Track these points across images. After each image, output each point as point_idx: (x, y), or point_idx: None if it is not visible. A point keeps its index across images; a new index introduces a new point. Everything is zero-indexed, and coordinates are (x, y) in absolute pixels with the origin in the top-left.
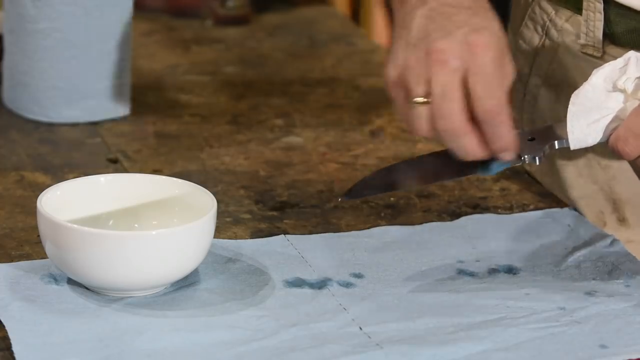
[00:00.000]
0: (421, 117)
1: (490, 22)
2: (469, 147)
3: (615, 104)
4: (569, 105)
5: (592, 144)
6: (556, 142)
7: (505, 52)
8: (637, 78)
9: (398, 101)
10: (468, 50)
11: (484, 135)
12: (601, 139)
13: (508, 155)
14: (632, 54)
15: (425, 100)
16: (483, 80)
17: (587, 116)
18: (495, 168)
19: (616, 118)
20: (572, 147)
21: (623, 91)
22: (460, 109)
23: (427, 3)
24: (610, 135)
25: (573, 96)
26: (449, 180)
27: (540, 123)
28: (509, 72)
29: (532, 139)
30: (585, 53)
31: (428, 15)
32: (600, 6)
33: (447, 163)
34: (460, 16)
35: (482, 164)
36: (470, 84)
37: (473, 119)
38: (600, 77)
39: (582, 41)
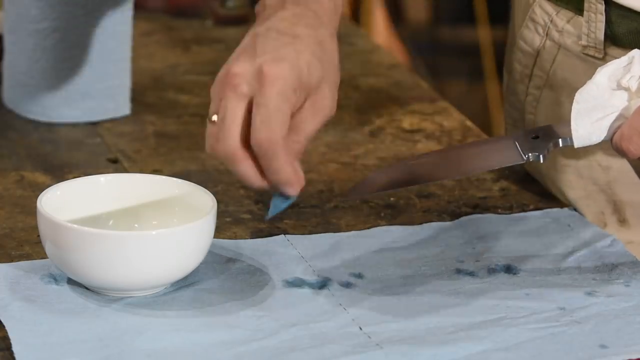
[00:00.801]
0: (209, 136)
1: (303, 54)
2: (246, 174)
3: (619, 102)
4: (573, 104)
5: (596, 142)
6: (560, 140)
7: (316, 88)
8: None
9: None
10: (259, 79)
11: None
12: (605, 137)
13: (290, 190)
14: (636, 52)
15: (216, 119)
16: (262, 113)
17: (591, 114)
18: (273, 206)
19: (620, 116)
20: (577, 145)
21: (627, 89)
22: (235, 134)
23: (266, 22)
24: (614, 133)
25: (577, 94)
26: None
27: (542, 124)
28: (319, 110)
29: (536, 137)
30: (586, 54)
31: (255, 35)
32: (601, 7)
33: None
34: (274, 43)
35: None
36: (252, 115)
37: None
38: (605, 76)
39: (583, 42)
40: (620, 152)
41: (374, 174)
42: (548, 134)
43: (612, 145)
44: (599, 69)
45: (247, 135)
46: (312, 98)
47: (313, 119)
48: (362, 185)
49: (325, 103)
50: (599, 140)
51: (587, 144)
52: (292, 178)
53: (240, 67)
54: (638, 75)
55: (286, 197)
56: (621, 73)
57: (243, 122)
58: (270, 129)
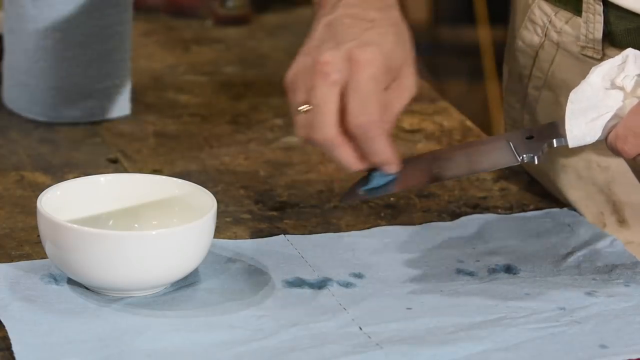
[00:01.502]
0: (301, 125)
1: (385, 37)
2: (344, 158)
3: (613, 102)
4: (568, 104)
5: (590, 142)
6: (554, 140)
7: (400, 68)
8: (636, 75)
9: (291, 105)
10: (349, 65)
11: (360, 151)
12: (600, 137)
13: (389, 168)
14: (630, 51)
15: (308, 108)
16: (357, 96)
17: (586, 114)
18: (372, 182)
19: (615, 116)
20: (571, 145)
21: (622, 89)
22: (332, 121)
23: (334, 11)
24: (609, 133)
25: (572, 94)
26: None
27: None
28: (405, 89)
29: (531, 137)
30: (584, 55)
31: (329, 24)
32: (599, 8)
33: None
34: (354, 29)
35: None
36: (346, 100)
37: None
38: (599, 75)
39: (581, 43)
40: (615, 152)
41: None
42: (542, 134)
43: (607, 145)
44: (592, 68)
45: (341, 121)
46: (397, 79)
47: (399, 99)
48: (355, 189)
49: (409, 82)
50: (594, 140)
51: (582, 144)
52: (391, 157)
53: (328, 56)
54: (632, 75)
55: (385, 175)
56: (615, 72)
57: (337, 112)
58: (368, 112)
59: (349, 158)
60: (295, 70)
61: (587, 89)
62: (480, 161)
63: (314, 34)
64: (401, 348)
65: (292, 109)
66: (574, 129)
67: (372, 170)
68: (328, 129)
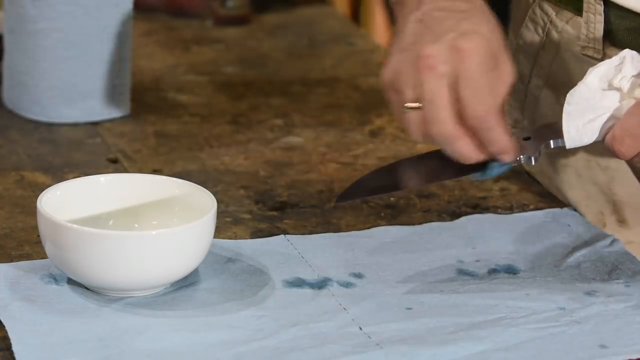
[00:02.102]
0: (413, 123)
1: (482, 25)
2: (464, 150)
3: (610, 103)
4: (565, 105)
5: (587, 143)
6: (552, 141)
7: (499, 54)
8: (633, 76)
9: (393, 104)
10: (455, 56)
11: (478, 140)
12: (597, 137)
13: (507, 157)
14: (627, 52)
15: (417, 105)
16: (471, 86)
17: (583, 115)
18: (491, 172)
19: (612, 117)
20: (568, 146)
21: (619, 90)
22: (449, 114)
23: (422, 7)
24: (607, 134)
25: (568, 96)
26: (446, 180)
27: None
28: (506, 74)
29: (528, 138)
30: (585, 54)
31: (420, 19)
32: (600, 8)
33: (445, 163)
34: (450, 21)
35: (481, 167)
36: (459, 91)
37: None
38: (596, 76)
39: (582, 43)
40: (612, 153)
41: (362, 179)
42: (540, 135)
43: (604, 146)
44: (590, 69)
45: (455, 113)
46: (497, 66)
47: (502, 85)
48: (351, 190)
49: (508, 68)
50: (591, 141)
51: (579, 145)
52: (509, 146)
53: (431, 49)
54: (629, 76)
55: (502, 165)
56: (612, 73)
57: (451, 104)
58: (484, 101)
59: (469, 150)
60: (394, 69)
61: (584, 90)
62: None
63: (405, 31)
64: (401, 348)
65: (395, 108)
66: (571, 130)
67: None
68: (445, 124)
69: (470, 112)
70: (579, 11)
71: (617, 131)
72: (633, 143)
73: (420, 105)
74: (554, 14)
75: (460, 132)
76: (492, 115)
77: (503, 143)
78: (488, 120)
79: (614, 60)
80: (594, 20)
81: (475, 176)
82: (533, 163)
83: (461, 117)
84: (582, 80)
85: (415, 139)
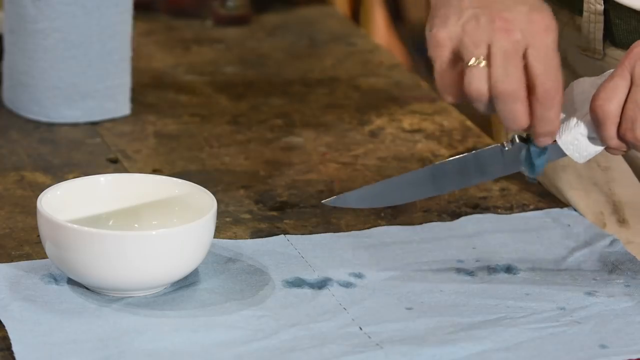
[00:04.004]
0: (476, 79)
1: (543, 4)
2: (519, 113)
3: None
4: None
5: (577, 136)
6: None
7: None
8: None
9: (440, 63)
10: (531, 27)
11: (533, 116)
12: (588, 134)
13: (546, 141)
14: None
15: (482, 63)
16: (545, 60)
17: (571, 117)
18: (538, 167)
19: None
20: (564, 148)
21: None
22: (520, 74)
23: None
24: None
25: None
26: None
27: None
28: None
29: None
30: (585, 54)
31: None
32: (600, 7)
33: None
34: None
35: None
36: (530, 61)
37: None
38: (575, 91)
39: (582, 43)
40: (597, 120)
41: (356, 192)
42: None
43: (595, 128)
44: (572, 84)
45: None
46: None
47: (559, 69)
48: (342, 199)
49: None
50: (585, 135)
51: (574, 147)
52: (556, 129)
53: (508, 14)
54: None
55: (540, 151)
56: (598, 82)
57: (523, 68)
58: (556, 77)
59: (525, 115)
60: (458, 29)
61: (568, 105)
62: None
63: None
64: (401, 348)
65: (440, 64)
66: (563, 134)
67: (525, 148)
68: (515, 80)
69: (541, 84)
70: (579, 11)
71: (596, 92)
72: (615, 98)
73: (484, 62)
74: (554, 13)
75: (524, 95)
76: (558, 94)
77: (555, 124)
78: (555, 97)
79: (596, 78)
80: (595, 20)
81: (527, 172)
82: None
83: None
84: (570, 84)
85: (470, 96)
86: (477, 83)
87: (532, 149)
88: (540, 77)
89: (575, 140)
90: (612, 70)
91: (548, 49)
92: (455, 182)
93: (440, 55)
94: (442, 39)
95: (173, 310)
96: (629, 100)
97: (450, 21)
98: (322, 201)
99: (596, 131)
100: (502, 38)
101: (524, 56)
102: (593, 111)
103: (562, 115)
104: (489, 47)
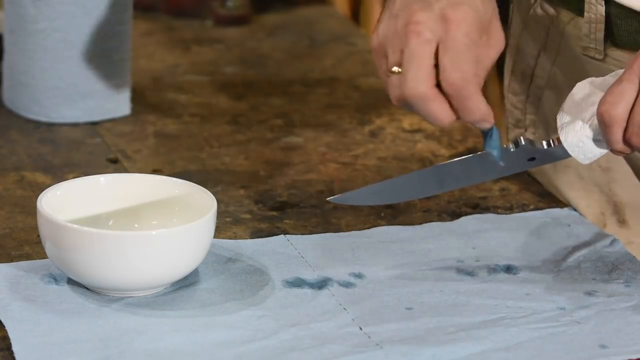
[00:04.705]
0: (393, 85)
1: None
2: (438, 112)
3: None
4: (557, 120)
5: (582, 139)
6: (544, 142)
7: (490, 25)
8: None
9: (379, 70)
10: (443, 24)
11: (454, 108)
12: (592, 132)
13: (485, 125)
14: (615, 73)
15: (399, 70)
16: (451, 54)
17: (576, 119)
18: (490, 144)
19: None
20: (569, 151)
21: None
22: (427, 75)
23: None
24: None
25: (559, 114)
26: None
27: (544, 124)
28: (496, 41)
29: (532, 159)
30: (587, 55)
31: None
32: (602, 8)
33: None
34: None
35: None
36: (439, 58)
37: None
38: (581, 93)
39: (583, 43)
40: (604, 124)
41: (361, 190)
42: (544, 156)
43: (601, 131)
44: (575, 88)
45: (435, 80)
46: (487, 33)
47: (489, 54)
48: (347, 197)
49: (498, 36)
50: (590, 138)
51: (580, 150)
52: (486, 114)
53: (420, 16)
54: None
55: (487, 133)
56: (599, 91)
57: (431, 67)
58: (462, 69)
59: (442, 112)
60: (384, 33)
61: (571, 105)
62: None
63: (395, 3)
64: (401, 348)
65: (381, 72)
66: (569, 136)
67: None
68: (422, 83)
69: (447, 77)
70: (580, 11)
71: (603, 97)
72: (623, 103)
73: (402, 68)
74: (555, 14)
75: (435, 94)
76: (469, 84)
77: (480, 111)
78: (464, 88)
79: (599, 79)
80: (596, 21)
81: (494, 157)
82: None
83: (440, 84)
84: (569, 96)
85: (395, 103)
86: (394, 90)
87: (484, 134)
88: (445, 72)
89: (580, 143)
90: (620, 70)
91: (455, 41)
92: (459, 181)
93: (378, 64)
94: (374, 46)
95: (173, 310)
96: (636, 104)
97: (380, 27)
98: (328, 199)
99: (602, 134)
100: (412, 42)
101: (438, 54)
102: (600, 115)
103: (568, 118)
104: (402, 53)
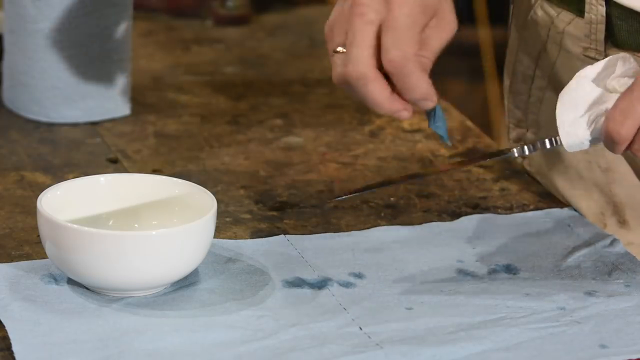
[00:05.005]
0: (336, 65)
1: None
2: (376, 94)
3: (604, 105)
4: (557, 105)
5: (584, 139)
6: (547, 140)
7: (438, 7)
8: (625, 77)
9: (328, 51)
10: (386, 6)
11: (395, 88)
12: (593, 134)
13: (428, 104)
14: (619, 55)
15: (343, 50)
16: (392, 33)
17: (577, 109)
18: (434, 122)
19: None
20: (564, 142)
21: (612, 91)
22: (368, 55)
23: None
24: (602, 132)
25: (560, 95)
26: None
27: (546, 124)
28: (446, 24)
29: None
30: (587, 56)
31: None
32: (602, 9)
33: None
34: None
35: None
36: (381, 37)
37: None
38: (588, 77)
39: (584, 44)
40: (609, 138)
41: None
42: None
43: (603, 140)
44: (581, 71)
45: (376, 61)
46: (436, 16)
47: (439, 36)
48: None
49: (448, 19)
50: (587, 137)
51: (575, 142)
52: (428, 92)
53: None
54: (622, 77)
55: (430, 112)
56: (604, 74)
57: (372, 48)
58: (402, 47)
59: (381, 95)
60: (333, 18)
61: (576, 89)
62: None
63: None
64: (401, 348)
65: (329, 55)
66: (565, 124)
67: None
68: (362, 63)
69: (385, 57)
70: (580, 12)
71: (614, 112)
72: (631, 123)
73: (342, 49)
74: (556, 15)
75: (375, 75)
76: (410, 62)
77: (420, 90)
78: (404, 65)
79: (605, 62)
80: (596, 22)
81: (441, 139)
82: (527, 153)
83: (381, 63)
84: (574, 79)
85: (335, 83)
86: (336, 69)
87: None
88: (385, 50)
89: (582, 145)
90: (614, 55)
91: (396, 21)
92: None
93: (328, 48)
94: (326, 32)
95: (173, 310)
96: None
97: (332, 14)
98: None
99: (605, 146)
100: (355, 22)
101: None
102: (608, 133)
103: (566, 114)
104: (347, 33)
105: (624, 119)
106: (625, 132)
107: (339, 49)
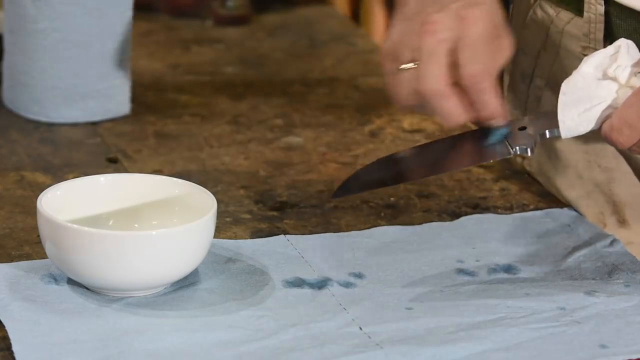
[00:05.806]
0: (405, 82)
1: None
2: (452, 110)
3: (606, 93)
4: (560, 95)
5: (583, 132)
6: (547, 131)
7: (500, 27)
8: (629, 66)
9: (387, 73)
10: (459, 23)
11: (470, 103)
12: (593, 127)
13: (497, 122)
14: (622, 41)
15: (412, 65)
16: (469, 48)
17: (578, 105)
18: (491, 139)
19: (608, 107)
20: (564, 136)
21: (614, 79)
22: (443, 72)
23: None
24: (603, 123)
25: (563, 85)
26: (451, 170)
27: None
28: (506, 45)
29: (523, 128)
30: (586, 55)
31: None
32: (601, 8)
33: (447, 153)
34: None
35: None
36: (457, 54)
37: (460, 86)
38: (591, 66)
39: (583, 43)
40: (610, 143)
41: (359, 172)
42: (535, 124)
43: (601, 134)
44: (585, 59)
45: (448, 78)
46: (498, 38)
47: (499, 58)
48: (348, 184)
49: (508, 41)
50: (587, 131)
51: (575, 135)
52: (500, 110)
53: (436, 17)
54: (625, 65)
55: (497, 130)
56: (607, 63)
57: (446, 66)
58: (479, 61)
59: (456, 109)
60: (398, 36)
61: (579, 79)
62: (473, 154)
63: (409, 3)
64: (401, 348)
65: (388, 76)
66: (567, 120)
67: (484, 127)
68: (438, 80)
69: (465, 70)
70: (579, 11)
71: (615, 121)
72: (631, 133)
73: (416, 64)
74: (555, 14)
75: (450, 91)
76: (487, 77)
77: (494, 106)
78: (483, 80)
79: (609, 49)
80: (595, 21)
81: (481, 146)
82: (529, 154)
83: (456, 82)
84: (577, 69)
85: (401, 102)
86: (406, 86)
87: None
88: (464, 65)
89: (576, 132)
90: (620, 41)
91: (473, 37)
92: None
93: (386, 67)
94: (386, 50)
95: (173, 310)
96: None
97: (394, 31)
98: (331, 197)
99: (607, 141)
100: (428, 40)
101: (455, 51)
102: (610, 141)
103: (567, 108)
104: (418, 51)
105: (625, 129)
106: (624, 141)
107: (409, 65)
